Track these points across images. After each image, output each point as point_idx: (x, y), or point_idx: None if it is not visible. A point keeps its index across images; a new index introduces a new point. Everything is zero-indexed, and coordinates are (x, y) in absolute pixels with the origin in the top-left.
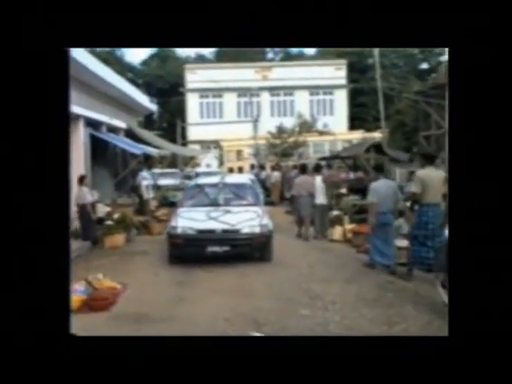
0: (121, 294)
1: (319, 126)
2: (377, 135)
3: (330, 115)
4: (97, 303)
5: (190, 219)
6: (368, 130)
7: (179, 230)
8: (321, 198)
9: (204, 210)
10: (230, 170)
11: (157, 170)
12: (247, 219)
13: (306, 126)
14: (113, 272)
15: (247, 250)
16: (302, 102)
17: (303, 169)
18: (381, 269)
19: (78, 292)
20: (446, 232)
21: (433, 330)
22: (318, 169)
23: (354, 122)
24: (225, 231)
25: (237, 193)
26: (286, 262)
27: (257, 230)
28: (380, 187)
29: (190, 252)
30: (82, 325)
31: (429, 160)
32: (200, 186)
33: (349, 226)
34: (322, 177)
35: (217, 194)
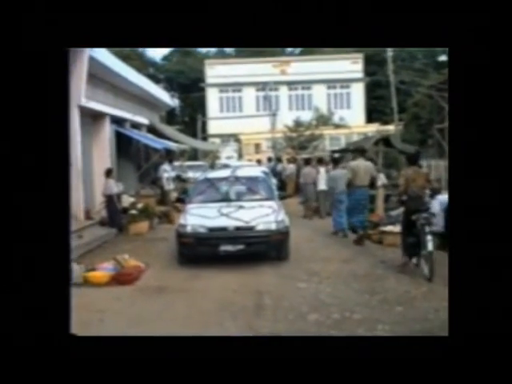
0: (144, 271)
1: (336, 119)
2: (391, 128)
3: (347, 108)
4: (124, 278)
5: (200, 216)
6: (386, 122)
7: (189, 229)
8: (322, 185)
9: (215, 206)
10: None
11: (187, 163)
12: (262, 215)
13: (323, 120)
14: (137, 255)
15: (263, 249)
16: (320, 96)
17: (307, 162)
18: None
19: (107, 269)
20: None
21: (408, 298)
22: (320, 161)
23: (373, 115)
24: (238, 229)
25: (249, 187)
26: (292, 245)
27: (273, 226)
28: (336, 174)
29: (202, 252)
30: (112, 295)
31: (359, 153)
32: (209, 180)
33: None
34: (325, 168)
35: (228, 189)
